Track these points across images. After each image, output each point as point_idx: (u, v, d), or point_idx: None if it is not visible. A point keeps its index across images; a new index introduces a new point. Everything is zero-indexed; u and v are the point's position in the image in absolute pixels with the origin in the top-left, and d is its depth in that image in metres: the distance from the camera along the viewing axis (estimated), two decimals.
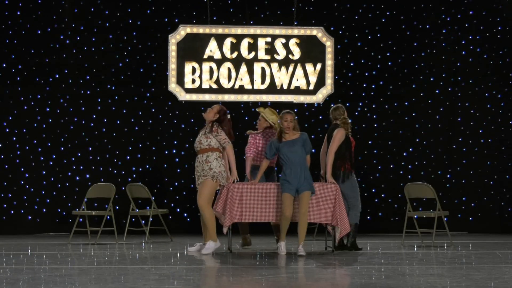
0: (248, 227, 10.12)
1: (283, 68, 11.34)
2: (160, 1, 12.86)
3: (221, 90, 11.36)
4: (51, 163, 12.70)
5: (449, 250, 9.81)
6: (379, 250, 9.68)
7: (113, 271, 7.33)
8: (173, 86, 11.36)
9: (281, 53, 11.38)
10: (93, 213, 11.10)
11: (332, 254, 9.13)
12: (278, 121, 9.36)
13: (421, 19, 13.06)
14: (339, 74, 12.62)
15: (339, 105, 9.86)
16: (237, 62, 11.33)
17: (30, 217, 12.64)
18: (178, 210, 12.75)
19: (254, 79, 11.34)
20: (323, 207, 9.26)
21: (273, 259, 8.56)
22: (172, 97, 11.76)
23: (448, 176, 13.01)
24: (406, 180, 12.21)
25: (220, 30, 11.35)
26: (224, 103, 11.98)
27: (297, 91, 11.37)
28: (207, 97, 11.41)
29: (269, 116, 9.94)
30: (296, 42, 11.37)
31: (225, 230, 9.28)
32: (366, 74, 13.01)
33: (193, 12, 12.73)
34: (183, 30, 11.36)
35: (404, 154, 13.03)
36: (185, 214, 12.74)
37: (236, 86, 11.33)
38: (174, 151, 12.80)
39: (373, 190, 12.89)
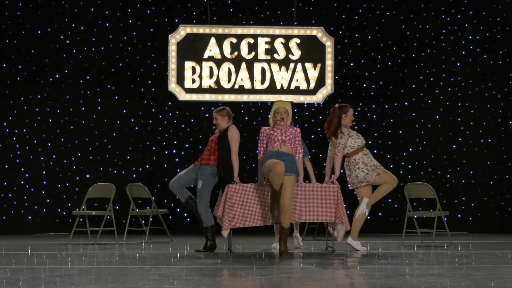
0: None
1: (283, 68, 11.34)
2: (160, 1, 12.86)
3: (221, 90, 11.35)
4: (51, 163, 12.70)
5: (449, 250, 9.81)
6: (379, 250, 9.68)
7: (113, 271, 7.33)
8: (173, 86, 11.35)
9: (281, 53, 11.37)
10: (93, 213, 11.09)
11: (332, 254, 9.13)
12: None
13: (421, 19, 13.05)
14: (339, 74, 12.61)
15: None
16: (237, 62, 11.32)
17: (30, 217, 12.64)
18: (178, 210, 12.75)
19: (254, 79, 11.34)
20: (325, 206, 9.24)
21: (273, 259, 8.56)
22: (172, 97, 11.76)
23: (448, 176, 13.01)
24: (406, 180, 12.20)
25: (220, 30, 11.35)
26: (224, 103, 11.98)
27: (297, 91, 11.37)
28: (207, 97, 11.41)
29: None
30: (296, 42, 11.37)
31: (225, 234, 9.18)
32: (366, 74, 13.01)
33: (193, 12, 12.73)
34: (183, 30, 11.36)
35: (404, 154, 13.03)
36: (185, 214, 12.73)
37: (236, 86, 11.32)
38: (174, 151, 12.79)
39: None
